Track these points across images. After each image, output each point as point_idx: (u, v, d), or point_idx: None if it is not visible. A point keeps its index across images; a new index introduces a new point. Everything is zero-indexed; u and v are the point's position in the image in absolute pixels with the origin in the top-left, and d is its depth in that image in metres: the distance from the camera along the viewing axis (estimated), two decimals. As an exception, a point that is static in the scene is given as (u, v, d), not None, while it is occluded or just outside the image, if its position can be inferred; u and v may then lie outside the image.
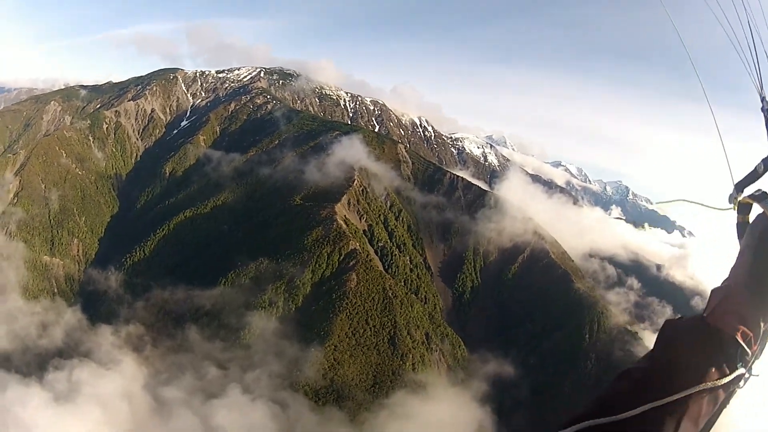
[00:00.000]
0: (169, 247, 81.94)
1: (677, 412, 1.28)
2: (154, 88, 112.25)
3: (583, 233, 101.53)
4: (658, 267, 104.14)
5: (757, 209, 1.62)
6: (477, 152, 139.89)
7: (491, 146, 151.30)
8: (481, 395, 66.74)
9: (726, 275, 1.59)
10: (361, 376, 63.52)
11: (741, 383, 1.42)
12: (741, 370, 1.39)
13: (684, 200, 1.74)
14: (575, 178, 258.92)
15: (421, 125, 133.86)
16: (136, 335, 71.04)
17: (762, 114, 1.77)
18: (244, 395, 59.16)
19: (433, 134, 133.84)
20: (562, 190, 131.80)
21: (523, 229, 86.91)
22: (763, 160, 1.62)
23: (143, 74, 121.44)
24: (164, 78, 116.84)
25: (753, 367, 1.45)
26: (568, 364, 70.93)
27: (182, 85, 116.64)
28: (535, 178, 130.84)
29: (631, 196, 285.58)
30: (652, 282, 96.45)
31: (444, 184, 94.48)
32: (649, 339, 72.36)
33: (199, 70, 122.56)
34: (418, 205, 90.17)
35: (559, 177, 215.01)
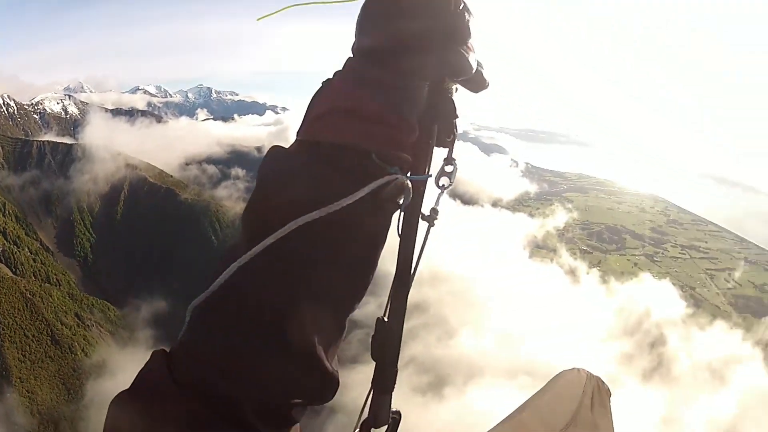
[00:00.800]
0: None
1: (277, 261, 0.84)
2: None
3: (173, 146, 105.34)
4: (259, 149, 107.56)
5: None
6: (57, 108, 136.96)
7: (69, 97, 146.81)
8: (153, 341, 65.70)
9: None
10: (54, 392, 60.67)
11: (409, 189, 0.88)
12: (383, 180, 0.84)
13: (294, 5, 1.17)
14: (155, 96, 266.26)
15: (4, 103, 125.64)
16: None
17: None
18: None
19: (15, 107, 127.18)
20: (143, 113, 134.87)
21: (116, 167, 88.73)
22: None
23: None
24: None
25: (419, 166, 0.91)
26: (210, 270, 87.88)
27: None
28: (117, 112, 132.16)
29: (214, 95, 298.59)
30: (257, 165, 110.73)
31: (33, 156, 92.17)
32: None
33: None
34: (17, 190, 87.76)
35: (140, 102, 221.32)
